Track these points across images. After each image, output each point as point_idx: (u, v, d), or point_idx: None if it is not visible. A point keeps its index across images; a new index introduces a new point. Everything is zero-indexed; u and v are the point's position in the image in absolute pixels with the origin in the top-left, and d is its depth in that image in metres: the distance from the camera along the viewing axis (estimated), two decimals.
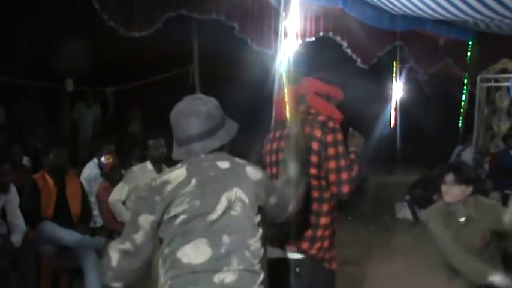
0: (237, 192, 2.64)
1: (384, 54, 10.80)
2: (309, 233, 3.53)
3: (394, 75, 12.00)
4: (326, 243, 3.57)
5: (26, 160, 7.50)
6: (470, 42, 12.89)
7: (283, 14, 7.40)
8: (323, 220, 3.55)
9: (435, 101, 15.54)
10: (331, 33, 9.18)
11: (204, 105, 2.75)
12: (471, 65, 13.14)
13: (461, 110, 13.45)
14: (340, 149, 3.50)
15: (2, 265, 5.25)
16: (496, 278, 4.15)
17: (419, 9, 8.64)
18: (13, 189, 5.64)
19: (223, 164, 2.71)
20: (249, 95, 9.60)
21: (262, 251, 2.70)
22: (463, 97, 13.41)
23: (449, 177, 4.28)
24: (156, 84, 10.73)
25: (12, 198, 5.62)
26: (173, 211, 2.59)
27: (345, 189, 3.49)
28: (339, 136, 3.51)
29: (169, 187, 2.62)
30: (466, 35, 12.14)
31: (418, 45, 11.52)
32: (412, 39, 11.14)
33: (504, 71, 11.99)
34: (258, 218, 2.70)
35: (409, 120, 12.96)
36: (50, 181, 5.89)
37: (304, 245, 3.52)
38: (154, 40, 7.68)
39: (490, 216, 4.27)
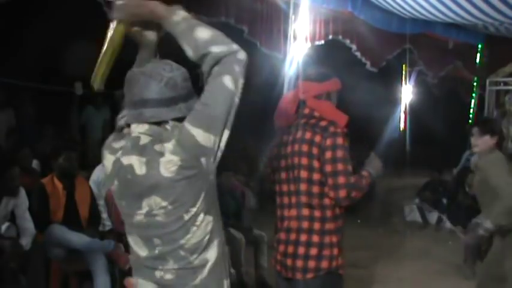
0: (155, 200, 2.39)
1: (393, 58, 10.76)
2: (315, 238, 3.50)
3: (403, 78, 11.94)
4: (335, 251, 3.53)
5: (35, 163, 7.51)
6: (479, 46, 12.82)
7: (293, 17, 7.41)
8: (328, 226, 3.52)
9: (444, 104, 15.52)
10: (340, 37, 9.15)
11: (170, 71, 2.48)
12: (480, 68, 13.07)
13: (471, 113, 13.39)
14: (339, 153, 3.43)
15: (12, 268, 5.26)
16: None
17: (429, 12, 8.61)
18: (22, 192, 5.65)
19: (140, 169, 2.38)
20: (258, 99, 9.59)
21: (206, 239, 2.45)
22: (472, 100, 13.35)
23: (475, 129, 4.70)
24: None
25: (22, 201, 5.63)
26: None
27: (342, 193, 3.40)
28: (339, 140, 3.44)
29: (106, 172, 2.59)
30: (476, 38, 12.08)
31: (427, 48, 11.47)
32: (422, 42, 11.10)
33: None
34: (193, 211, 2.40)
35: (419, 123, 12.90)
36: (59, 185, 5.89)
37: (313, 251, 3.49)
38: (163, 43, 7.68)
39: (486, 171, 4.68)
